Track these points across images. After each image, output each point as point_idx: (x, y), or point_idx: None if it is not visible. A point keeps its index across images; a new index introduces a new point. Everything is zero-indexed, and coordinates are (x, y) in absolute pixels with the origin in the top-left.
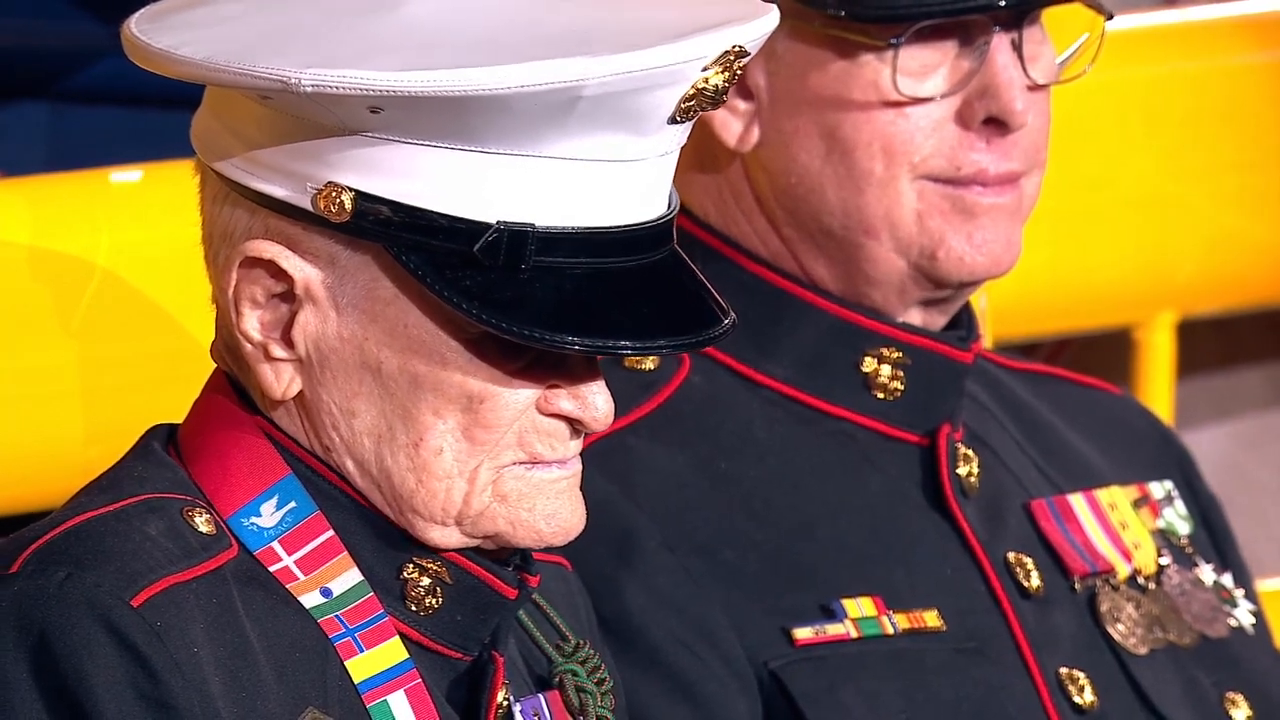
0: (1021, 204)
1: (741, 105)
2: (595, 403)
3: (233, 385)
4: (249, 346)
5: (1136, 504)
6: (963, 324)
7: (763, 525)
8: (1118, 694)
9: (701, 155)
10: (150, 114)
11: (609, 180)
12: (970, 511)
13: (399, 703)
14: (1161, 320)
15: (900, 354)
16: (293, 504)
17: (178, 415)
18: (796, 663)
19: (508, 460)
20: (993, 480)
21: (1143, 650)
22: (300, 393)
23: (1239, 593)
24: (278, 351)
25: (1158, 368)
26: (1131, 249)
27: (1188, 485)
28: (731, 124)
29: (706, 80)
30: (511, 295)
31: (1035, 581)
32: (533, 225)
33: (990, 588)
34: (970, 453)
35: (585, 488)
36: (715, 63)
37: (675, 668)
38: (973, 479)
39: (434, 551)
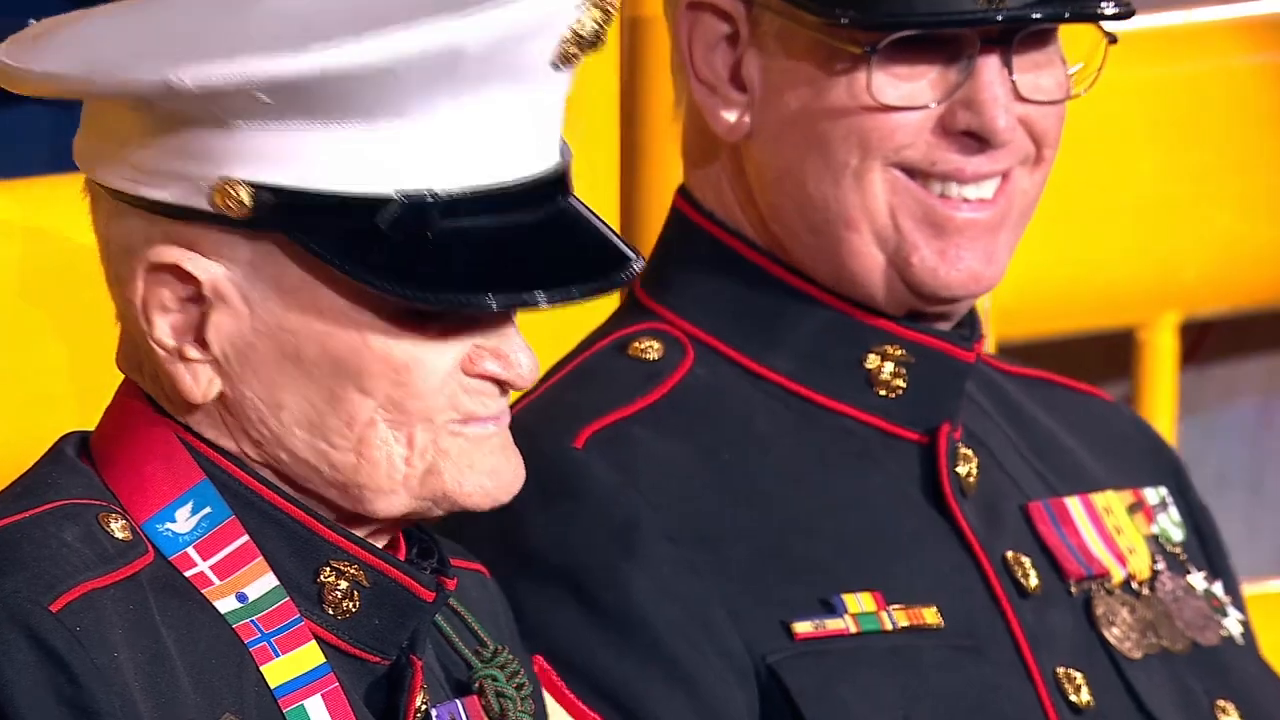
0: (1009, 213)
1: (736, 96)
2: (519, 360)
3: (147, 397)
4: (163, 353)
5: (1131, 509)
6: (966, 323)
7: (764, 518)
8: (1113, 696)
9: (704, 146)
10: None
11: (500, 136)
12: (969, 510)
13: (316, 707)
14: (1165, 321)
15: (903, 352)
16: (207, 509)
17: None
18: (795, 657)
19: (442, 420)
20: (990, 481)
21: (1137, 654)
22: (221, 393)
23: (1228, 601)
24: (193, 354)
25: (1162, 368)
26: (1135, 250)
27: (1179, 493)
28: (727, 115)
29: (581, 24)
30: (420, 263)
31: (1034, 581)
32: (431, 191)
33: (989, 586)
34: (969, 452)
35: (589, 477)
36: (589, 2)
37: (675, 659)
38: (971, 479)
39: (350, 554)
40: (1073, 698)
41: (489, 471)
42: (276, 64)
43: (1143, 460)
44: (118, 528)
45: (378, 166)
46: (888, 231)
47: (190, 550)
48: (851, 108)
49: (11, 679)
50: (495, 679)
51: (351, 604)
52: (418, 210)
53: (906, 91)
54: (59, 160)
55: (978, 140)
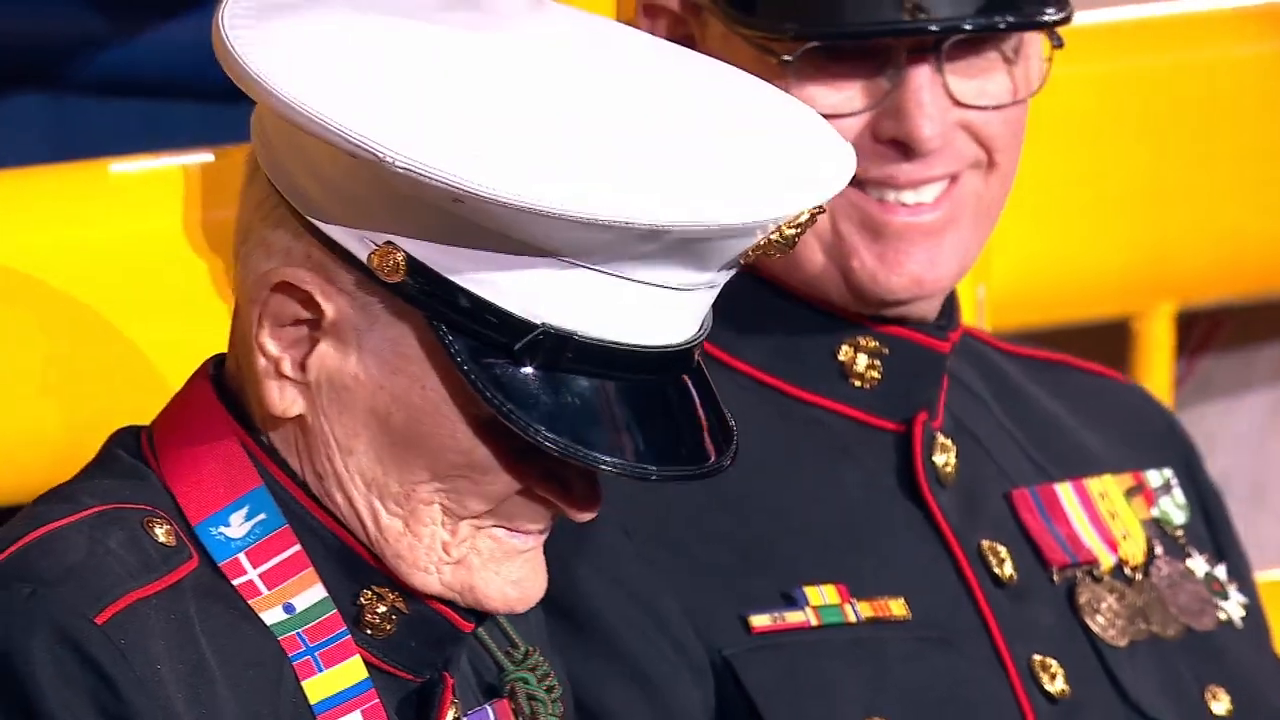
0: (958, 217)
1: None
2: (584, 502)
3: (217, 387)
4: (263, 360)
5: (1130, 493)
6: (944, 313)
7: (731, 511)
8: (1093, 685)
9: None
10: (152, 105)
11: (658, 303)
12: (945, 500)
13: None
14: (1161, 311)
15: (877, 343)
16: (262, 516)
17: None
18: (751, 651)
19: (489, 523)
20: (973, 470)
21: (1122, 642)
22: (300, 416)
23: (1232, 586)
24: (290, 372)
25: (1157, 358)
26: (1130, 239)
27: (1189, 476)
28: None
29: (781, 232)
30: (539, 396)
31: (1008, 570)
32: (575, 334)
33: (962, 577)
34: (948, 442)
35: None
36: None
37: (629, 653)
38: (949, 468)
39: (394, 583)
40: (1048, 687)
41: (514, 580)
42: (487, 187)
43: (1151, 442)
44: (162, 533)
45: (535, 294)
46: (829, 236)
47: (241, 556)
48: None
49: (55, 691)
50: (526, 681)
51: (389, 626)
52: (556, 346)
53: (837, 99)
54: (57, 150)
55: (907, 149)
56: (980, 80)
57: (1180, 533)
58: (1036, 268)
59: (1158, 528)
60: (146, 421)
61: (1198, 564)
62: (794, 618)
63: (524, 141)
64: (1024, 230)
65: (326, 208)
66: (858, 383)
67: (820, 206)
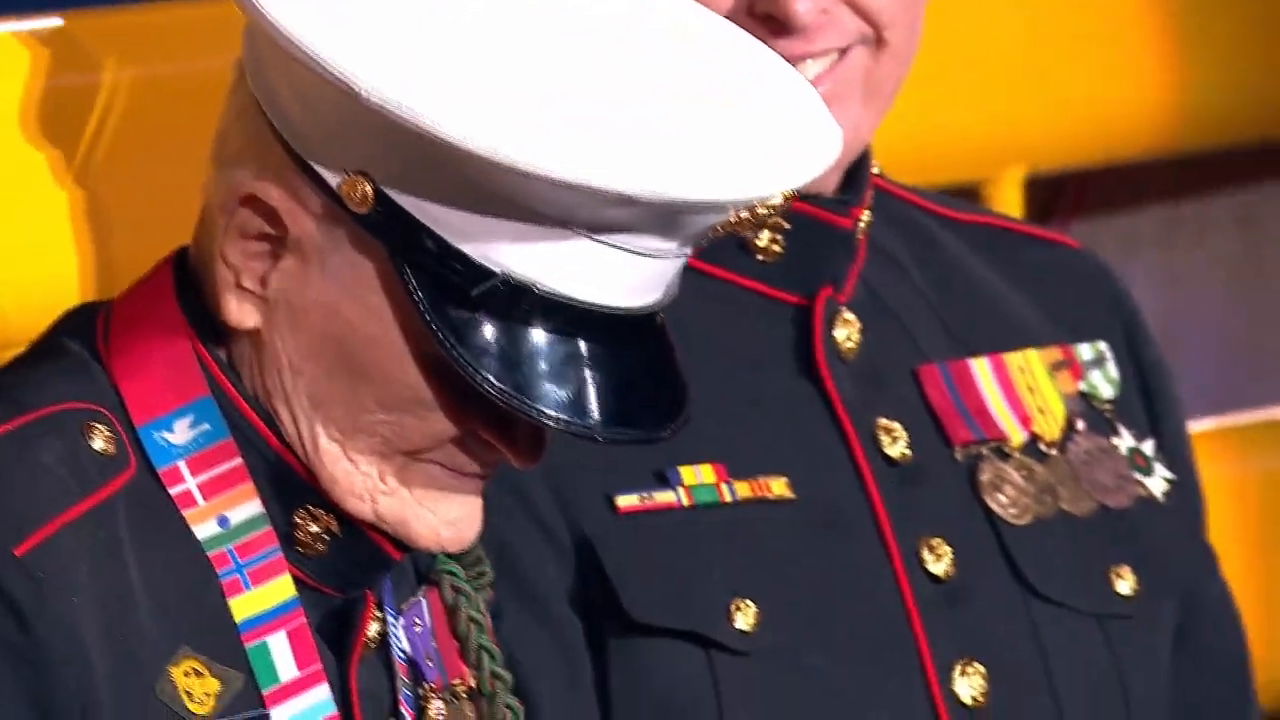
0: (844, 94)
1: None
2: (529, 452)
3: (178, 281)
4: (224, 269)
5: (1055, 367)
6: (849, 188)
7: None
8: (986, 565)
9: None
10: None
11: (621, 266)
12: (842, 377)
13: (279, 644)
14: (1010, 176)
15: (778, 218)
16: (206, 426)
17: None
18: (615, 531)
19: (428, 459)
20: (882, 345)
21: (1024, 520)
22: (255, 329)
23: (1159, 462)
24: (249, 284)
25: None
26: (980, 105)
27: (1129, 347)
28: None
29: (754, 211)
30: (492, 343)
31: (901, 449)
32: (534, 285)
33: (852, 455)
34: (852, 317)
35: None
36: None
37: (491, 530)
38: (851, 343)
39: (330, 505)
40: (931, 568)
41: (450, 521)
42: (458, 134)
43: (1090, 312)
44: (101, 441)
45: (496, 241)
46: None
47: (181, 464)
48: None
49: None
50: (455, 574)
51: (321, 546)
52: (513, 296)
53: None
54: None
55: (782, 24)
56: None
57: (1109, 407)
58: (885, 133)
59: (1084, 402)
60: None
61: (1124, 439)
62: (664, 498)
63: (504, 95)
64: None
65: (305, 131)
66: (760, 256)
67: (795, 193)
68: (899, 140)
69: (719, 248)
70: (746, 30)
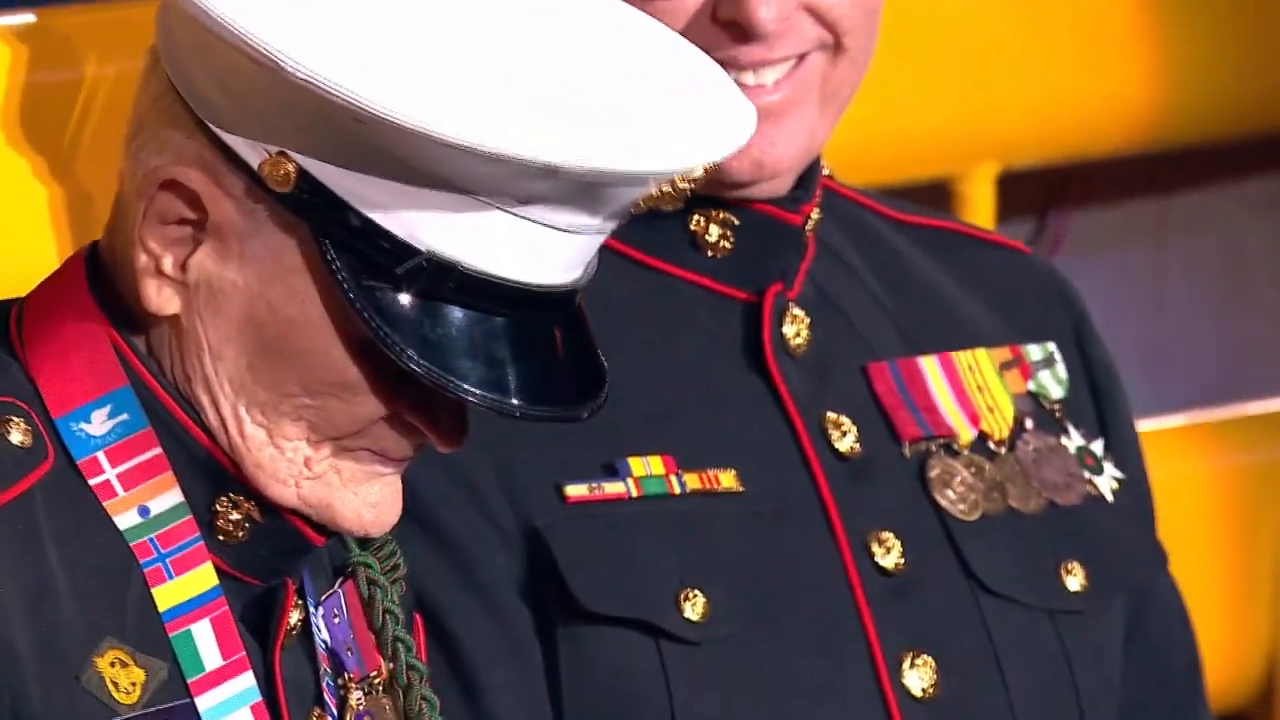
0: (801, 100)
1: None
2: (451, 435)
3: (90, 275)
4: (142, 256)
5: (1005, 366)
6: (800, 185)
7: None
8: (935, 559)
9: None
10: None
11: (544, 242)
12: (791, 372)
13: (203, 632)
14: (982, 172)
15: (727, 215)
16: (125, 416)
17: None
18: (563, 521)
19: (354, 444)
20: (830, 342)
21: (973, 516)
22: (175, 315)
23: (1108, 461)
24: (169, 270)
25: (979, 219)
26: (952, 101)
27: (1079, 348)
28: None
29: (674, 183)
30: (415, 322)
31: (850, 444)
32: (459, 264)
33: (801, 449)
34: (801, 313)
35: None
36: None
37: (439, 524)
38: (799, 339)
39: (250, 492)
40: (881, 561)
41: (371, 503)
42: (386, 108)
43: (1039, 313)
44: (18, 434)
45: (421, 219)
46: None
47: (100, 455)
48: None
49: None
50: (370, 566)
51: (241, 534)
52: (438, 275)
53: None
54: None
55: (745, 31)
56: None
57: (1057, 407)
58: (859, 130)
59: (1033, 401)
60: None
61: (1073, 438)
62: (613, 488)
63: (431, 70)
64: None
65: (224, 112)
66: (710, 252)
67: (713, 165)
68: (870, 137)
69: (668, 244)
70: (708, 36)
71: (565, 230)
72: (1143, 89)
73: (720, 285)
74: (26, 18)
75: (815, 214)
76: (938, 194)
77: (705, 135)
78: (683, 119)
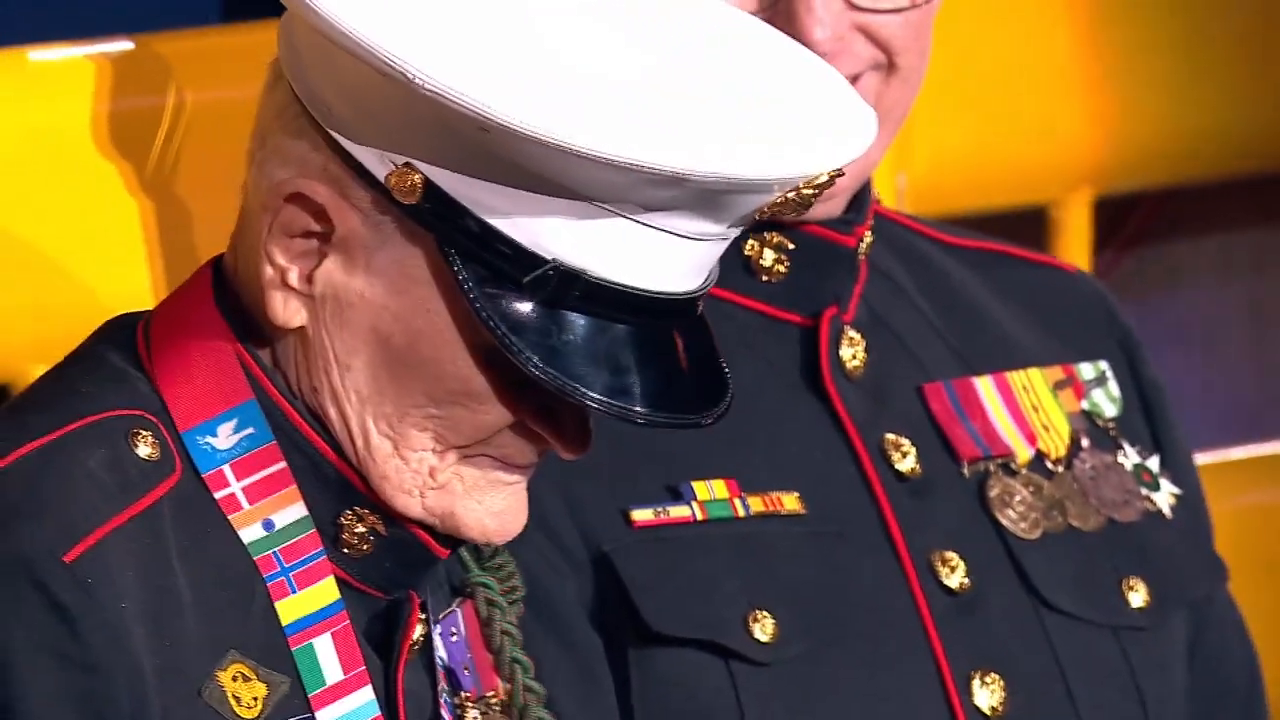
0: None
1: None
2: (575, 441)
3: (216, 288)
4: (269, 269)
5: (1058, 386)
6: (852, 208)
7: None
8: (999, 578)
9: None
10: None
11: (666, 249)
12: (849, 394)
13: (324, 646)
14: (1078, 198)
15: (782, 238)
16: (250, 430)
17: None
18: (630, 545)
19: (477, 453)
20: (886, 364)
21: (1034, 535)
22: (301, 328)
23: (1164, 477)
24: (295, 283)
25: (1075, 246)
26: (1049, 127)
27: (1129, 366)
28: None
29: (799, 191)
30: (540, 330)
31: (910, 464)
32: (585, 272)
33: (862, 471)
34: (857, 336)
35: None
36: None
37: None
38: (856, 362)
39: (375, 505)
40: (946, 580)
41: (495, 512)
42: (514, 117)
43: (1088, 333)
44: (146, 448)
45: (548, 229)
46: None
47: (226, 468)
48: None
49: (15, 633)
50: (488, 586)
51: (366, 546)
52: (565, 283)
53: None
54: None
55: None
56: None
57: (1111, 425)
58: (956, 155)
59: (1087, 420)
60: (54, 313)
61: (1129, 455)
62: (678, 512)
63: (557, 80)
64: (944, 118)
65: (349, 123)
66: (765, 277)
67: (840, 170)
68: (967, 163)
69: (724, 270)
70: None
71: (688, 237)
72: (1235, 115)
73: (776, 310)
74: (125, 45)
75: (868, 236)
76: (1036, 220)
77: (827, 141)
78: (804, 125)
